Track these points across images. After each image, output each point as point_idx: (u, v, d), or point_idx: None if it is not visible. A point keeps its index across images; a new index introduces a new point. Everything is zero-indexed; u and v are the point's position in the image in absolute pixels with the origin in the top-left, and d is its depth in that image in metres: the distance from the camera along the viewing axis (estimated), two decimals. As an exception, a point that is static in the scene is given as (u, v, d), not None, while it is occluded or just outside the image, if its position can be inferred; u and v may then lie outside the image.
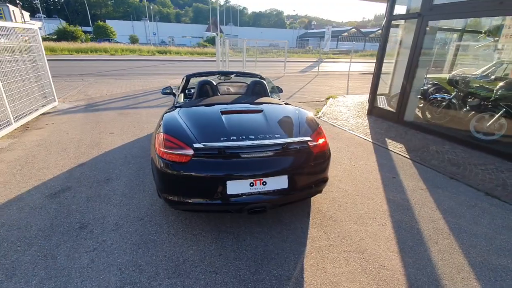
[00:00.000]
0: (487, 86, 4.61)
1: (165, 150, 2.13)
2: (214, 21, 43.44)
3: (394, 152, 4.23)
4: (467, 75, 5.12)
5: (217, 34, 13.09)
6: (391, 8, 5.50)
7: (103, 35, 29.60)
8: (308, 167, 2.26)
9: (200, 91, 3.19)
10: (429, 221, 2.58)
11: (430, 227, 2.49)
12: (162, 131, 2.32)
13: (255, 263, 2.01)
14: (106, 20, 45.39)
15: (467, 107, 4.84)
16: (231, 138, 2.15)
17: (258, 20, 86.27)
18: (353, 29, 52.03)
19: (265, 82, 3.44)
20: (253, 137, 2.19)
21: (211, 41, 36.10)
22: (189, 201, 2.15)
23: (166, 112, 2.76)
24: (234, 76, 4.18)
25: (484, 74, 5.28)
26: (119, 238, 2.22)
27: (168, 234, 2.29)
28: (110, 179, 3.18)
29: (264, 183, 2.11)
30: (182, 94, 3.64)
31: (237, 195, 2.09)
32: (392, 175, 3.48)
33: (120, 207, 2.64)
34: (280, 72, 14.93)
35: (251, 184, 2.09)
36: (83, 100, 7.06)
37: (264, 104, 2.91)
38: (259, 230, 2.37)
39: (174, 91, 4.04)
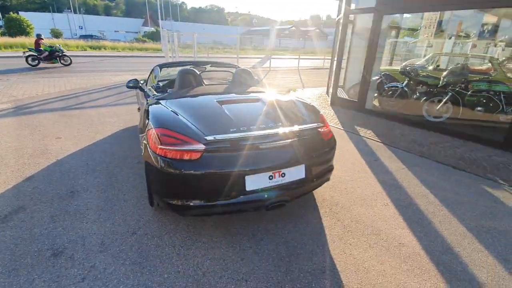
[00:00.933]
0: (433, 75, 5.23)
1: (166, 147, 1.80)
2: (151, 16, 40.56)
3: (367, 138, 4.49)
4: (416, 66, 5.75)
5: (162, 29, 12.19)
6: (347, 3, 5.80)
7: (17, 29, 24.72)
8: (321, 154, 2.18)
9: (182, 81, 2.82)
10: (421, 196, 2.76)
11: (424, 202, 2.67)
12: (154, 126, 1.97)
13: (283, 262, 1.85)
14: (20, 12, 38.33)
15: (417, 94, 5.43)
16: (241, 128, 1.93)
17: (198, 16, 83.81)
18: (293, 28, 54.55)
19: (251, 71, 3.25)
20: (264, 126, 2.01)
21: (151, 36, 33.71)
22: (201, 203, 1.86)
23: (150, 105, 2.37)
24: (210, 66, 3.87)
25: (426, 65, 5.99)
26: (112, 260, 1.81)
27: (173, 246, 1.96)
28: (75, 191, 2.61)
29: (283, 175, 1.95)
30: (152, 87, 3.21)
31: (256, 191, 1.89)
32: (374, 159, 3.67)
33: (101, 223, 2.17)
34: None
35: (270, 177, 1.91)
36: (9, 103, 5.76)
37: (259, 93, 2.73)
38: (273, 227, 2.20)
39: (141, 85, 3.54)
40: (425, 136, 4.55)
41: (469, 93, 4.66)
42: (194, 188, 1.83)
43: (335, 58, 6.85)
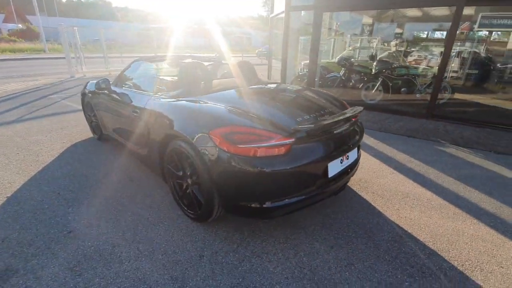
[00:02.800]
0: (365, 65, 6.24)
1: (249, 146, 1.60)
2: (16, 9, 32.15)
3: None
4: (349, 57, 6.71)
5: (61, 24, 10.12)
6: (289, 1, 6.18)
7: None
8: (361, 135, 2.36)
9: (187, 76, 2.46)
10: (408, 162, 3.34)
11: (413, 165, 3.23)
12: (222, 125, 1.71)
13: (366, 240, 1.94)
14: None
15: (353, 81, 6.37)
16: (305, 117, 1.90)
17: (81, 10, 71.51)
18: (196, 26, 53.57)
19: (251, 63, 3.12)
20: (323, 112, 2.03)
21: (22, 35, 26.90)
22: (286, 201, 1.74)
23: (180, 104, 2.02)
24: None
25: (350, 56, 7.08)
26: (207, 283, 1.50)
27: (257, 254, 1.77)
28: (73, 230, 1.96)
29: (347, 157, 2.03)
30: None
31: (334, 177, 1.91)
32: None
33: (153, 260, 1.74)
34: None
35: (341, 161, 1.96)
36: None
37: (278, 84, 2.71)
38: (330, 213, 2.26)
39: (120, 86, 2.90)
40: (371, 116, 5.43)
41: (394, 77, 5.81)
42: (281, 185, 1.70)
43: (272, 55, 7.28)
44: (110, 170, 2.88)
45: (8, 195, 2.38)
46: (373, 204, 2.39)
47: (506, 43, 8.73)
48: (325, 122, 1.79)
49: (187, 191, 2.04)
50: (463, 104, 6.18)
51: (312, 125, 1.72)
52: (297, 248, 1.84)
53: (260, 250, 1.81)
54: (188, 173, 1.97)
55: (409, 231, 2.05)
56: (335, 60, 7.95)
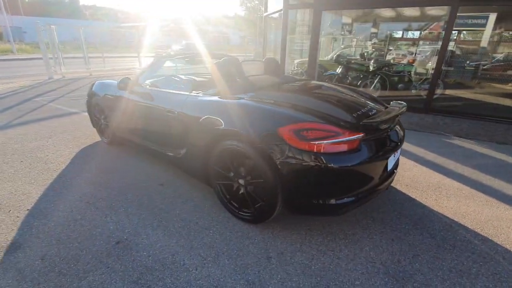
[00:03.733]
0: (362, 63, 6.42)
1: (320, 142, 1.58)
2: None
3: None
4: (346, 55, 6.88)
5: (37, 23, 9.41)
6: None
7: None
8: (404, 132, 2.39)
9: (226, 73, 2.36)
10: (423, 154, 3.47)
11: (429, 157, 3.37)
12: (290, 122, 1.67)
13: (415, 230, 1.99)
14: None
15: (350, 78, 6.53)
16: (358, 112, 1.91)
17: (45, 8, 66.90)
18: (173, 25, 52.19)
19: (278, 60, 3.07)
20: (370, 107, 2.06)
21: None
22: (350, 197, 1.73)
23: (241, 103, 1.94)
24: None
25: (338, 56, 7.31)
26: (286, 294, 1.45)
27: (326, 255, 1.74)
28: (120, 241, 1.82)
29: (398, 151, 2.07)
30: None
31: (390, 172, 1.94)
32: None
33: (221, 267, 1.65)
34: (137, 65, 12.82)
35: (394, 155, 1.99)
36: None
37: (309, 81, 2.71)
38: (372, 210, 2.28)
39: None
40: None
41: (391, 74, 6.04)
42: (350, 180, 1.69)
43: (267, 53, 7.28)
44: (135, 175, 2.70)
45: (29, 207, 2.16)
46: (412, 196, 2.46)
47: (479, 41, 9.44)
48: (386, 117, 1.81)
49: (239, 192, 1.96)
50: (453, 98, 6.56)
51: (378, 119, 1.73)
52: (360, 243, 1.84)
53: (325, 248, 1.79)
54: (242, 173, 1.90)
55: (455, 219, 2.13)
56: (327, 58, 8.14)
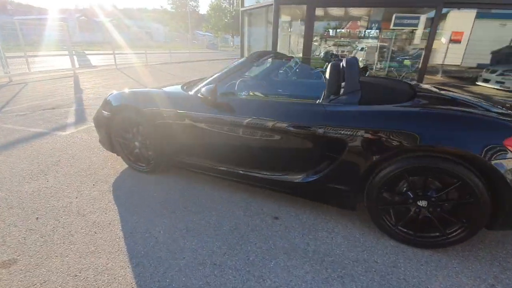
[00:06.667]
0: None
1: None
2: None
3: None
4: (333, 52, 7.01)
5: None
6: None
7: None
8: None
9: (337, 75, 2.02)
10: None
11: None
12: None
13: None
14: None
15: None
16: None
17: None
18: (83, 17, 44.87)
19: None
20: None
21: None
22: None
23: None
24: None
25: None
26: None
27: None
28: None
29: None
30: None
31: None
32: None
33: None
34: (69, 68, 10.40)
35: None
36: None
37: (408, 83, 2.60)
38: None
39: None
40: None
41: (378, 69, 6.47)
42: None
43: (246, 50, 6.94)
44: (230, 210, 2.10)
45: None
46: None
47: (412, 39, 10.99)
48: None
49: (419, 216, 1.69)
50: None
51: None
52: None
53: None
54: (429, 193, 1.64)
55: None
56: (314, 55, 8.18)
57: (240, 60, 2.35)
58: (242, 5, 7.22)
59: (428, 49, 5.29)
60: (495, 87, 7.45)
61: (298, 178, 1.98)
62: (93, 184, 2.44)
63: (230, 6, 46.50)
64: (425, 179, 1.63)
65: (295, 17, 9.75)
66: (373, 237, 1.85)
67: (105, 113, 2.58)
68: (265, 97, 2.41)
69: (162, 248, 1.71)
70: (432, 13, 5.87)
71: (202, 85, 2.21)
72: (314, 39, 9.26)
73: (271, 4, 5.73)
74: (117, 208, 2.11)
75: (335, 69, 2.03)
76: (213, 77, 2.28)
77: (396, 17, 6.82)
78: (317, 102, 1.94)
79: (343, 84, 1.94)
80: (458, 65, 12.36)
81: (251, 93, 2.34)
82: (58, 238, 1.78)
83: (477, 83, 8.25)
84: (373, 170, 1.71)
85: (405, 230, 1.76)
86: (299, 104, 2.00)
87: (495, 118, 1.61)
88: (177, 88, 2.56)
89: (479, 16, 12.53)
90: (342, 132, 1.74)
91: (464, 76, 10.05)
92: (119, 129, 2.58)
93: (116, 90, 2.70)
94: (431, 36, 5.31)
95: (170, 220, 1.98)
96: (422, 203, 1.67)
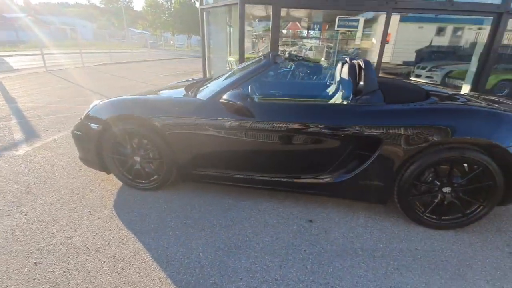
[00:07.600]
0: (313, 59, 6.95)
1: None
2: None
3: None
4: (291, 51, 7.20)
5: None
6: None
7: None
8: None
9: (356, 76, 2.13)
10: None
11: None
12: None
13: None
14: None
15: (302, 74, 7.00)
16: None
17: None
18: (-16, 11, 36.99)
19: None
20: None
21: None
22: None
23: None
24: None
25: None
26: None
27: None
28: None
29: None
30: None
31: None
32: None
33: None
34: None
35: None
36: None
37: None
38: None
39: None
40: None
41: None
42: None
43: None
44: (256, 220, 2.01)
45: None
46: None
47: (353, 40, 12.11)
48: None
49: (443, 202, 1.88)
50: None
51: None
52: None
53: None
54: (454, 180, 1.83)
55: None
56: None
57: (260, 63, 2.24)
58: (201, 3, 6.91)
59: (382, 48, 5.88)
60: (425, 81, 8.73)
61: (329, 178, 2.00)
62: (89, 211, 2.06)
63: (167, 3, 44.11)
64: (450, 167, 1.82)
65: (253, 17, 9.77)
66: (403, 226, 1.99)
67: (94, 126, 2.19)
68: (292, 100, 2.38)
69: (212, 273, 1.54)
70: (370, 15, 6.64)
71: (218, 90, 2.05)
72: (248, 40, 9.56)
73: (236, 3, 5.62)
74: (134, 236, 1.82)
75: (354, 70, 2.10)
76: (232, 80, 2.13)
77: (339, 19, 7.43)
78: (345, 102, 1.98)
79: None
80: (389, 63, 14.16)
81: (270, 96, 2.25)
82: (76, 283, 1.46)
83: (410, 78, 9.52)
84: (405, 164, 1.83)
85: (432, 216, 1.94)
86: (331, 105, 2.02)
87: None
88: (181, 93, 2.32)
89: (402, 19, 14.51)
90: (377, 130, 1.82)
91: (398, 72, 11.45)
92: (114, 143, 2.22)
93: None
94: (383, 37, 5.91)
95: (205, 240, 1.80)
96: (447, 189, 1.85)
